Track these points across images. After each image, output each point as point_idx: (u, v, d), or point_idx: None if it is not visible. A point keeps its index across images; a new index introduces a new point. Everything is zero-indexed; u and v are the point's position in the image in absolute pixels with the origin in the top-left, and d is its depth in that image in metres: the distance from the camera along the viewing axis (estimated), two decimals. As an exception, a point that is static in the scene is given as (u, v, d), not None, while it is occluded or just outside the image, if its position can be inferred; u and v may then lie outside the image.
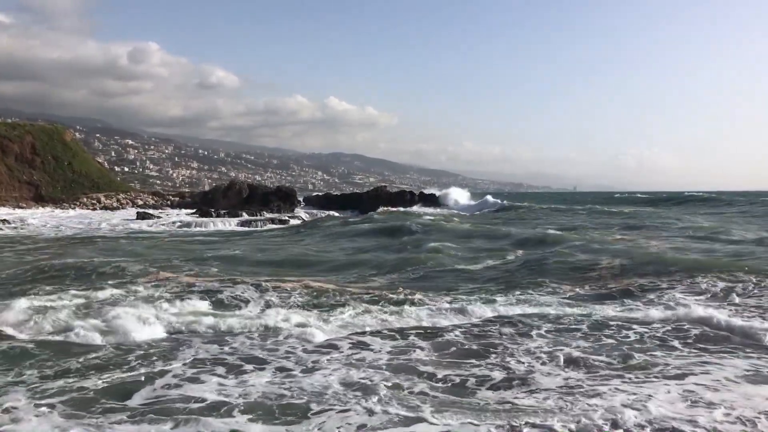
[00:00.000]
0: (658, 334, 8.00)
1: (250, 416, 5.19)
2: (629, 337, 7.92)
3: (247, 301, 9.92)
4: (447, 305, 9.90)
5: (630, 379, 6.21)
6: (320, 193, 69.09)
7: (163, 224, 31.82)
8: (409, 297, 10.53)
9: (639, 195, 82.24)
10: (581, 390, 5.89)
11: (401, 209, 43.70)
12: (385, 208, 43.78)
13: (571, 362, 6.85)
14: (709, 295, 10.41)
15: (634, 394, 5.71)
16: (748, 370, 6.43)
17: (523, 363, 6.82)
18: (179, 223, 32.10)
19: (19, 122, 56.77)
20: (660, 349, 7.31)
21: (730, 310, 9.30)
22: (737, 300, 10.00)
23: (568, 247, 16.51)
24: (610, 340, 7.77)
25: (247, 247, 20.11)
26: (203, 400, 5.55)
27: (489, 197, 51.88)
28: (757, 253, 15.46)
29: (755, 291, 10.54)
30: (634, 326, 8.39)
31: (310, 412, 5.27)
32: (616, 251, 15.21)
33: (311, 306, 9.69)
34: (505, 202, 48.35)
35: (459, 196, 52.54)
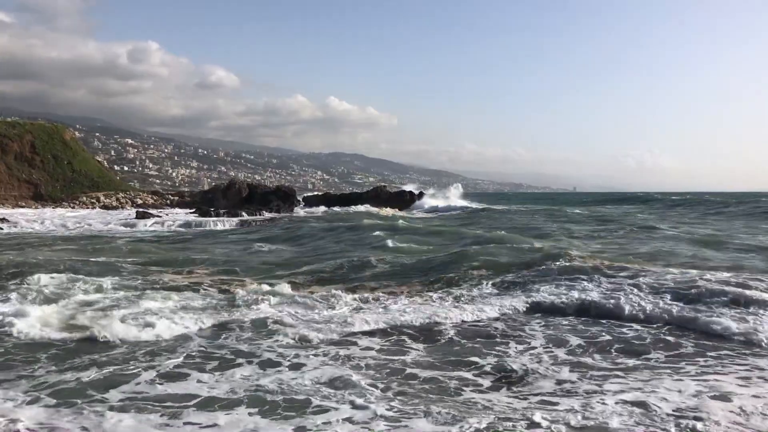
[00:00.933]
0: (653, 332, 8.01)
1: (236, 411, 5.19)
2: (626, 334, 7.93)
3: (241, 301, 9.89)
4: (432, 302, 9.90)
5: (626, 377, 6.21)
6: (320, 193, 69.21)
7: (162, 224, 31.81)
8: (393, 294, 10.67)
9: (594, 197, 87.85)
10: (578, 389, 5.90)
11: (366, 208, 46.73)
12: (363, 207, 47.38)
13: (565, 360, 6.87)
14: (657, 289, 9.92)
15: (631, 392, 5.71)
16: (743, 367, 6.44)
17: (516, 361, 6.82)
18: (179, 223, 32.07)
19: (18, 121, 56.47)
20: (656, 348, 7.31)
21: (706, 307, 8.97)
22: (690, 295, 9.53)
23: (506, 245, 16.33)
24: (606, 336, 7.80)
25: (242, 246, 20.09)
26: (195, 395, 5.57)
27: (457, 201, 54.46)
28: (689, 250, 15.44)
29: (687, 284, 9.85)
30: (627, 323, 8.42)
31: (296, 410, 5.23)
32: (560, 248, 15.06)
33: (301, 305, 9.64)
34: (472, 205, 50.57)
35: (432, 199, 54.95)
